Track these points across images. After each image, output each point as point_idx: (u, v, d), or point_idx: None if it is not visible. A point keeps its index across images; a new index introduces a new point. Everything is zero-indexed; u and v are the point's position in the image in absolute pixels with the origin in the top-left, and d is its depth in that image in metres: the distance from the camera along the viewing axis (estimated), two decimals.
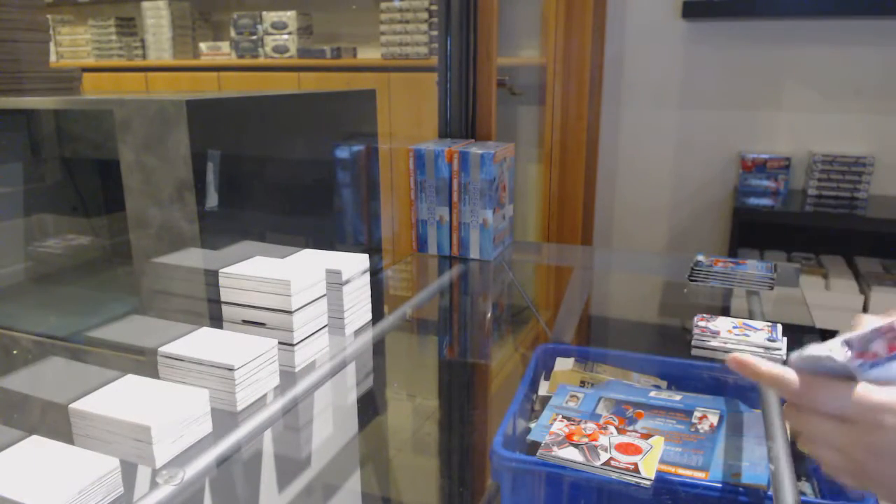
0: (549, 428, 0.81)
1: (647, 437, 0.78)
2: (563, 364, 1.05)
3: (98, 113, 1.31)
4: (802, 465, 0.87)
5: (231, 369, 0.75)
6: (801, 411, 0.50)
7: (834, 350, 0.48)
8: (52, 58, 3.70)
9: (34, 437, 0.62)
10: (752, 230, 2.32)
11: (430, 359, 1.25)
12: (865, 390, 0.47)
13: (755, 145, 2.41)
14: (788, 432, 0.76)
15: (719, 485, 0.74)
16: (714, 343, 0.97)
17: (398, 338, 1.15)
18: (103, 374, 0.74)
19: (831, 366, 0.49)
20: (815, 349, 0.49)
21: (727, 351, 0.93)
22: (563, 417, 0.83)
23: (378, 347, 1.05)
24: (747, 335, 0.98)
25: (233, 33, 3.34)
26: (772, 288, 1.20)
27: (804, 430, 0.51)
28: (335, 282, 0.94)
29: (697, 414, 0.89)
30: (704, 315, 1.05)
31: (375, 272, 1.36)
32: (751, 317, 1.12)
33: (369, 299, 1.03)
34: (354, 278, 0.97)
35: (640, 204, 2.62)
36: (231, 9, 3.46)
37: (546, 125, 2.50)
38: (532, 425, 0.87)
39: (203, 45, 3.47)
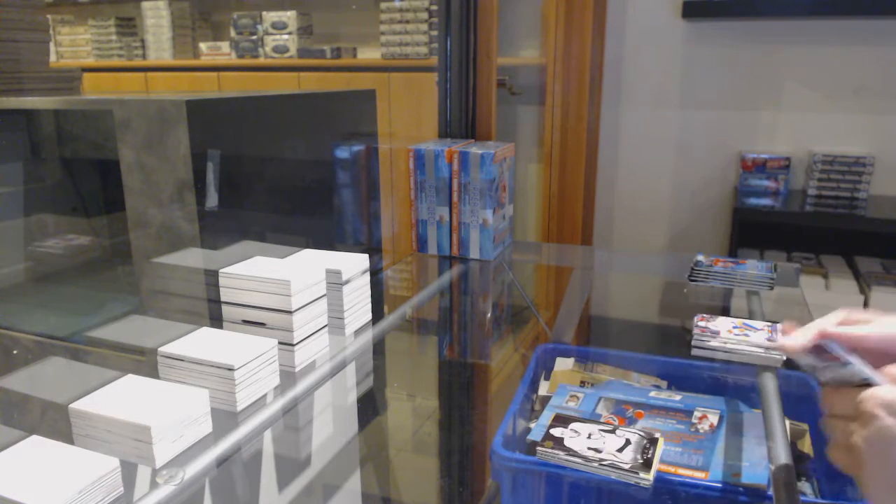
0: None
1: None
2: (563, 364, 1.05)
3: (98, 113, 1.31)
4: (802, 465, 0.87)
5: (231, 369, 0.75)
6: (826, 419, 0.54)
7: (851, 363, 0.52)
8: (52, 58, 3.70)
9: (34, 437, 0.62)
10: (752, 230, 2.32)
11: (430, 359, 1.25)
12: (871, 390, 0.49)
13: (755, 145, 2.41)
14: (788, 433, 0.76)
15: (719, 485, 0.74)
16: (714, 343, 0.97)
17: (398, 338, 1.15)
18: (103, 374, 0.73)
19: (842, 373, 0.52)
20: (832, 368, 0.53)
21: (727, 351, 0.93)
22: None
23: (378, 347, 1.05)
24: (747, 335, 0.98)
25: (233, 33, 3.34)
26: (772, 288, 1.20)
27: (829, 435, 0.54)
28: (335, 282, 0.94)
29: (697, 414, 0.89)
30: (704, 315, 1.05)
31: (375, 272, 1.36)
32: (751, 317, 1.11)
33: (369, 299, 1.03)
34: (354, 278, 0.97)
35: (640, 204, 2.62)
36: (231, 9, 3.46)
37: (546, 125, 2.50)
38: (532, 425, 0.87)
39: (203, 45, 3.47)
